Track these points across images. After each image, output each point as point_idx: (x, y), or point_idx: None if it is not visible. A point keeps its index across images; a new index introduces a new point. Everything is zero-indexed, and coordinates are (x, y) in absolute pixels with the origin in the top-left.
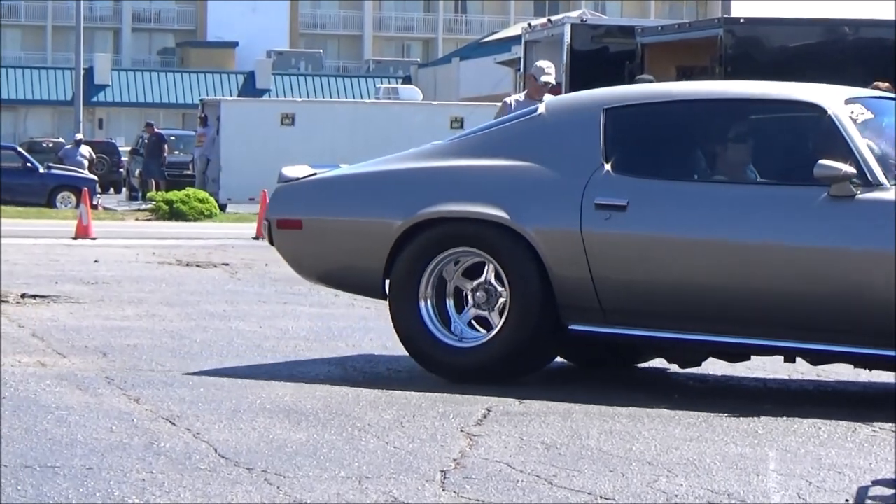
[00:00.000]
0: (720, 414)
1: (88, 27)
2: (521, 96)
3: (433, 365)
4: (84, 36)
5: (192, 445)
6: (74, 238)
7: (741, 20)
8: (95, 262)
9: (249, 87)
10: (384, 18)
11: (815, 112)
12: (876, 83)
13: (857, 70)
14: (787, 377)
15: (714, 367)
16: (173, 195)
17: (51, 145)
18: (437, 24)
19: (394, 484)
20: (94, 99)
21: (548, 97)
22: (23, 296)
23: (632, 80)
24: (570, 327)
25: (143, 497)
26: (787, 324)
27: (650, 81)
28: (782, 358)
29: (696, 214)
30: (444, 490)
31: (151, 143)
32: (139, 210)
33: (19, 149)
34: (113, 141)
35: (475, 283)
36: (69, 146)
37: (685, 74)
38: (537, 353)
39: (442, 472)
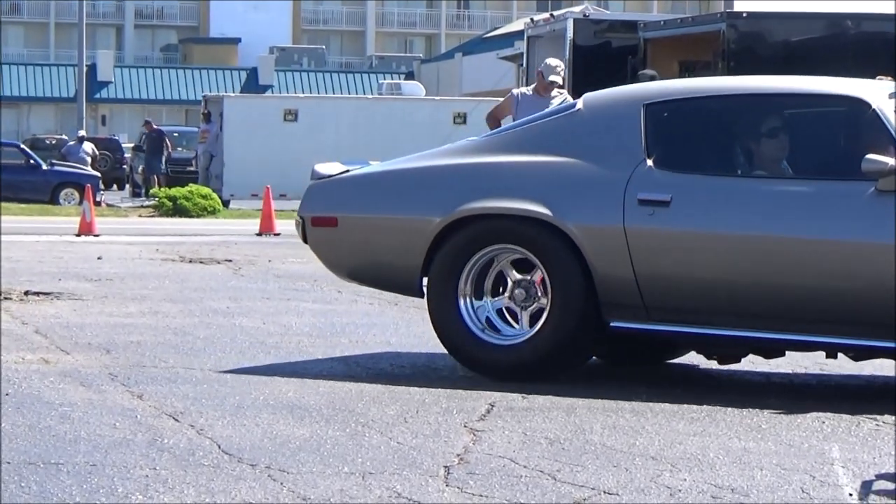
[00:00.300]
0: (723, 408)
1: (91, 24)
2: (528, 90)
3: (472, 363)
4: (87, 33)
5: (195, 442)
6: (78, 235)
7: (744, 14)
8: (99, 258)
9: (252, 84)
10: (387, 14)
11: (860, 106)
12: (879, 77)
13: (860, 64)
14: (790, 371)
15: (716, 362)
16: (177, 191)
17: (54, 142)
18: (439, 19)
19: (397, 480)
20: (97, 96)
21: (558, 93)
22: (26, 293)
23: (634, 76)
24: (611, 324)
25: (147, 493)
26: (832, 320)
27: (652, 77)
28: (824, 354)
29: (740, 210)
30: (447, 486)
31: (152, 140)
32: (142, 206)
33: (22, 146)
34: (116, 138)
35: (521, 277)
36: (72, 143)
37: (688, 69)
38: (577, 350)
39: (445, 467)
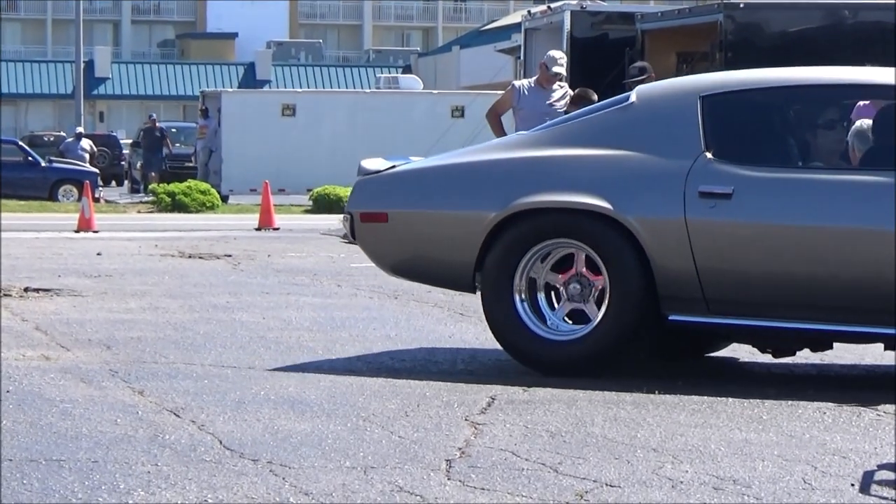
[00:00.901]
0: (724, 399)
1: (88, 20)
2: (531, 82)
3: (528, 359)
4: (84, 29)
5: (196, 437)
6: (77, 231)
7: (741, 5)
8: (98, 254)
9: (250, 79)
10: (384, 7)
11: None
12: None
13: (858, 53)
14: (790, 362)
15: (717, 352)
16: (175, 187)
17: (52, 139)
18: (436, 12)
19: (399, 474)
20: (95, 92)
21: (559, 86)
22: (26, 289)
23: (630, 67)
24: (669, 318)
25: (149, 490)
26: (893, 310)
27: (642, 69)
28: (882, 346)
29: (802, 202)
30: (449, 479)
31: (151, 136)
32: (141, 202)
33: (20, 143)
34: (114, 134)
35: (566, 276)
36: (70, 139)
37: (685, 60)
38: (636, 345)
39: (447, 461)
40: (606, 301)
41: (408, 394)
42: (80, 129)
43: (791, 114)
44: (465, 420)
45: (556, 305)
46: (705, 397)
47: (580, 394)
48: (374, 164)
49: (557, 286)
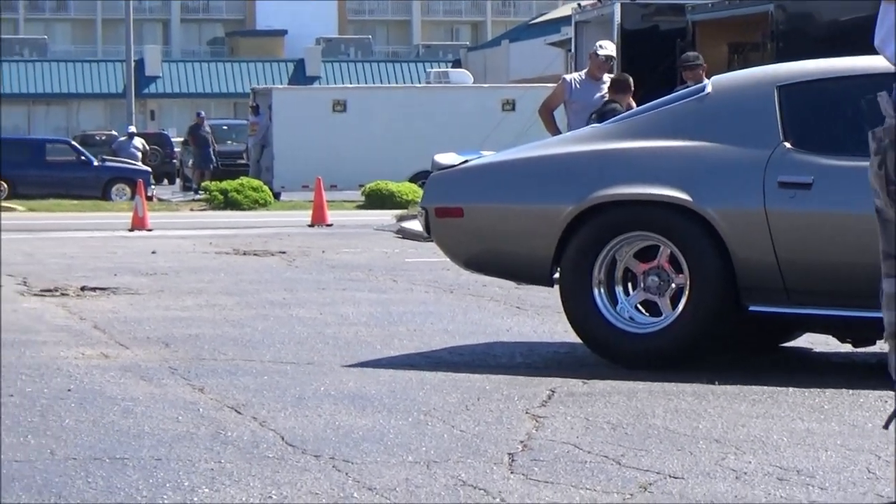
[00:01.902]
0: (785, 389)
1: (138, 19)
2: (581, 75)
3: (607, 352)
4: (133, 28)
5: (258, 434)
6: (131, 230)
7: None
8: (153, 253)
9: (299, 75)
10: (432, 3)
11: None
12: None
13: None
14: (850, 351)
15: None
16: (227, 184)
17: (104, 138)
18: (485, 6)
19: (462, 467)
20: (146, 91)
21: (609, 77)
22: (83, 288)
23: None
24: (749, 308)
25: (213, 487)
26: None
27: (696, 58)
28: None
29: None
30: (512, 472)
31: (199, 134)
32: (194, 200)
33: (73, 142)
34: (165, 132)
35: (647, 266)
36: (122, 138)
37: (737, 51)
38: (716, 336)
39: (509, 454)
40: (686, 293)
41: (468, 388)
42: (133, 128)
43: (868, 102)
44: (526, 413)
45: (630, 292)
46: (766, 387)
47: (640, 385)
48: (447, 158)
49: (637, 274)
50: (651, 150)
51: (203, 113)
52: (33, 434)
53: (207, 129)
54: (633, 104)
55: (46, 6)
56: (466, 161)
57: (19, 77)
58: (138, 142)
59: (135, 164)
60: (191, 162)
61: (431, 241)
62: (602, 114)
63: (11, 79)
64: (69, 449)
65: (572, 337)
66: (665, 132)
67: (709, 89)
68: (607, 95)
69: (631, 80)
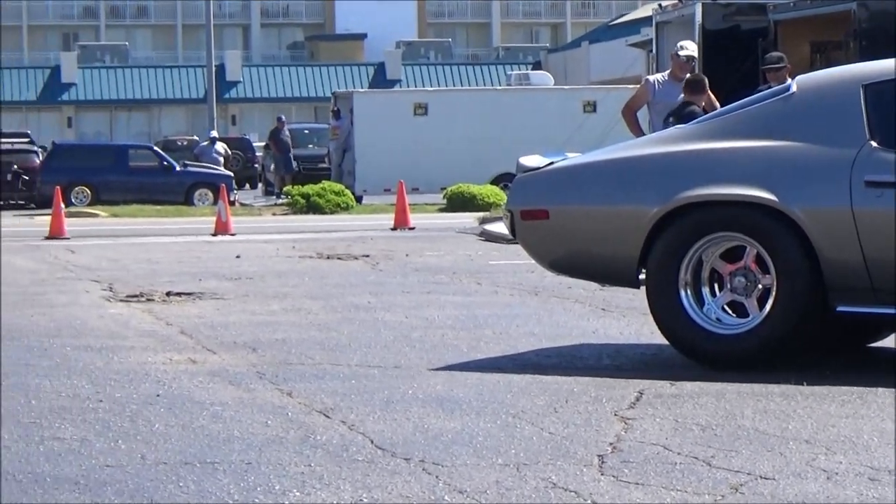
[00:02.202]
0: (873, 389)
1: (218, 24)
2: (664, 76)
3: (695, 353)
4: (214, 33)
5: (347, 437)
6: (214, 234)
7: None
8: (237, 257)
9: (380, 79)
10: (512, 4)
11: None
12: None
13: None
14: None
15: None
16: (310, 188)
17: (185, 143)
18: (564, 8)
19: (552, 470)
20: (227, 96)
21: (680, 80)
22: (168, 294)
23: (763, 58)
24: (837, 308)
25: (304, 490)
26: None
27: (780, 59)
28: None
29: None
30: (602, 474)
31: (280, 139)
32: (276, 205)
33: (156, 148)
34: (247, 137)
35: (734, 267)
36: (205, 143)
37: (819, 50)
38: (803, 337)
39: (599, 456)
40: (773, 293)
41: (555, 390)
42: (214, 133)
43: None
44: (615, 415)
45: (717, 293)
46: (854, 388)
47: (728, 386)
48: (532, 161)
49: (724, 275)
50: (736, 151)
51: (283, 117)
52: (123, 439)
53: (287, 133)
54: (717, 103)
55: (127, 12)
56: (551, 163)
57: (101, 83)
58: (220, 146)
59: (217, 169)
60: (272, 166)
61: (515, 243)
62: (680, 115)
63: (93, 85)
64: (160, 453)
65: (659, 339)
66: (750, 132)
67: (793, 89)
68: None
69: (706, 79)
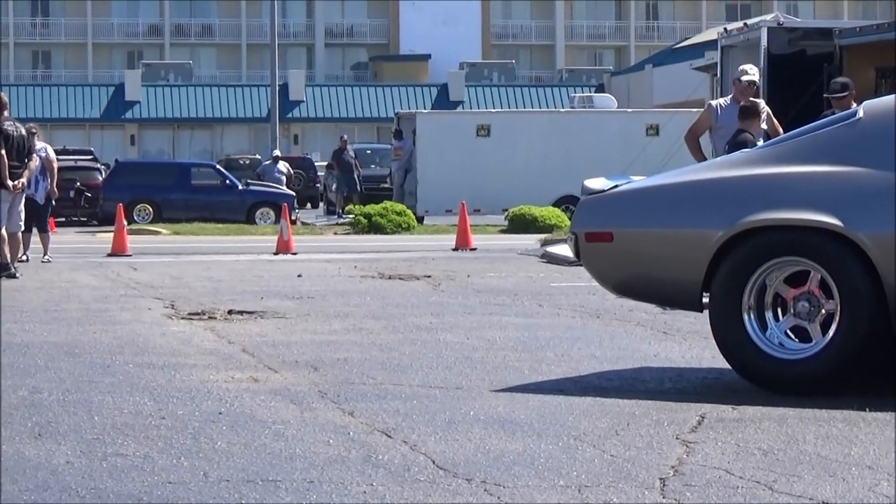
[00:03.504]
0: None
1: (282, 44)
2: (726, 100)
3: (757, 377)
4: (278, 53)
5: (409, 457)
6: (275, 253)
7: None
8: (298, 276)
9: (443, 100)
10: (576, 27)
11: None
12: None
13: None
14: None
15: None
16: (371, 209)
17: (247, 162)
18: (628, 31)
19: (613, 492)
20: (289, 115)
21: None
22: (230, 312)
23: (829, 83)
24: None
25: None
26: None
27: (844, 85)
28: None
29: None
30: (664, 497)
31: (343, 159)
32: (337, 224)
33: (218, 166)
34: (309, 156)
35: (797, 291)
36: (268, 162)
37: (884, 75)
38: (867, 362)
39: (661, 479)
40: (837, 318)
41: (617, 413)
42: (277, 152)
43: None
44: (677, 438)
45: (780, 318)
46: None
47: (790, 411)
48: (597, 183)
49: (787, 300)
50: (801, 175)
51: (346, 137)
52: (186, 456)
53: (352, 153)
54: (780, 129)
55: (192, 31)
56: (616, 186)
57: (164, 101)
58: (283, 166)
59: (279, 189)
60: (334, 186)
61: (578, 265)
62: (734, 144)
63: (157, 103)
64: (222, 471)
65: (720, 362)
66: (815, 157)
67: (860, 114)
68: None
69: (760, 104)
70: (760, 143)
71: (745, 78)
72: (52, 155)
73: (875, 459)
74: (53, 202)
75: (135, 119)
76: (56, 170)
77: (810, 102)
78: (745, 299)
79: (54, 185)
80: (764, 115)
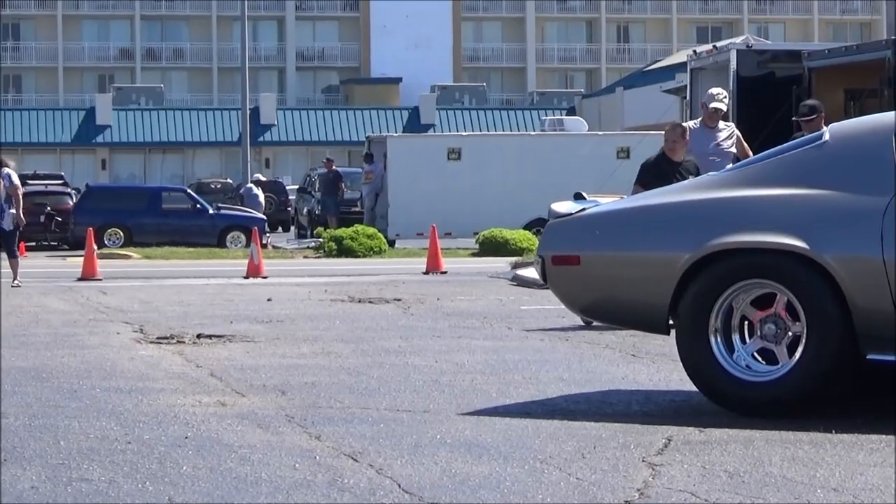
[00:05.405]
0: None
1: (253, 67)
2: (696, 122)
3: (724, 400)
4: (249, 76)
5: (375, 481)
6: (246, 277)
7: None
8: (268, 300)
9: (414, 123)
10: (547, 50)
11: None
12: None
13: None
14: None
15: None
16: (342, 232)
17: (219, 186)
18: (599, 53)
19: None
20: (261, 139)
21: (725, 126)
22: (199, 336)
23: (798, 106)
24: (868, 356)
25: None
26: None
27: (813, 108)
28: None
29: None
30: None
31: (328, 180)
32: (308, 248)
33: (189, 190)
34: (280, 180)
35: (764, 314)
36: (250, 185)
37: (853, 97)
38: (833, 385)
39: (626, 502)
40: (803, 340)
41: (584, 435)
42: (259, 176)
43: None
44: (643, 461)
45: (747, 340)
46: (883, 436)
47: (757, 433)
48: (564, 207)
49: (754, 322)
50: (768, 198)
51: (332, 157)
52: (151, 481)
53: (332, 175)
54: (749, 151)
55: (163, 55)
56: (583, 209)
57: (136, 125)
58: (255, 189)
59: (250, 212)
60: (305, 210)
61: (547, 288)
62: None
63: (128, 127)
64: (187, 496)
65: (688, 385)
66: (782, 180)
67: (826, 137)
68: (725, 144)
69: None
70: (730, 165)
71: (712, 105)
72: (17, 181)
73: (840, 482)
74: (20, 228)
75: (106, 143)
76: (21, 196)
77: (780, 125)
78: (712, 322)
79: (20, 212)
80: (734, 139)
